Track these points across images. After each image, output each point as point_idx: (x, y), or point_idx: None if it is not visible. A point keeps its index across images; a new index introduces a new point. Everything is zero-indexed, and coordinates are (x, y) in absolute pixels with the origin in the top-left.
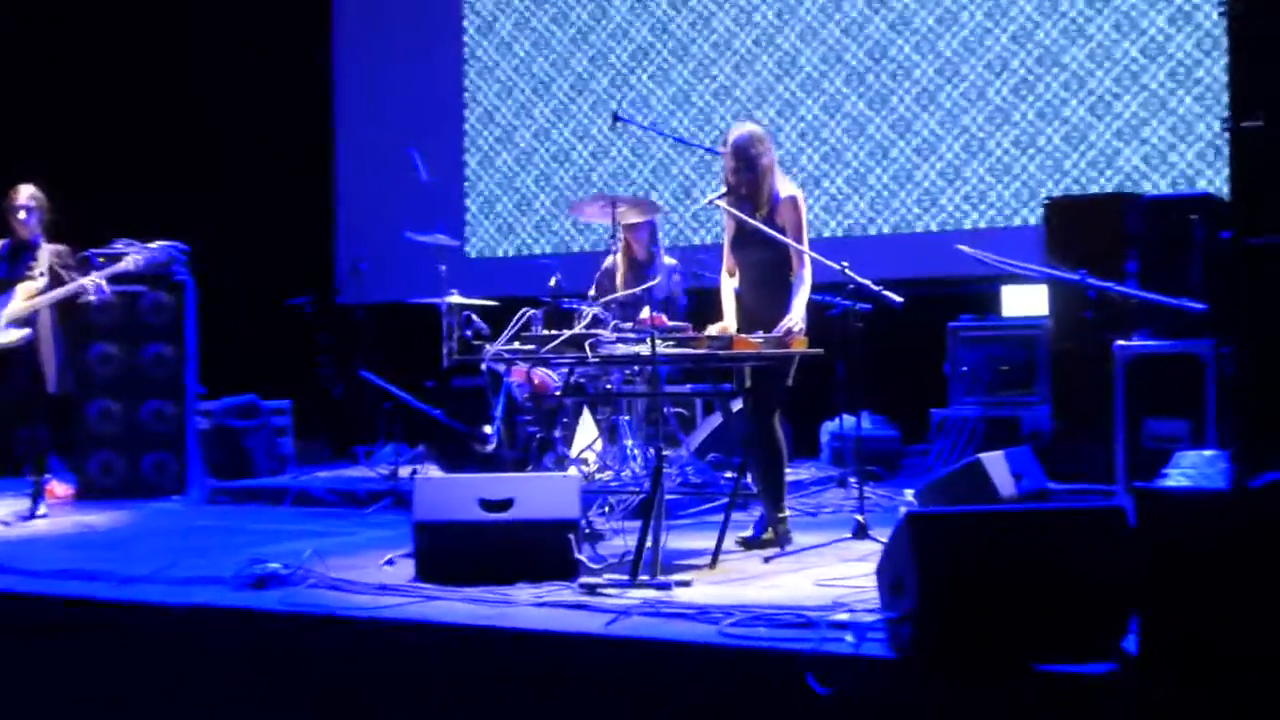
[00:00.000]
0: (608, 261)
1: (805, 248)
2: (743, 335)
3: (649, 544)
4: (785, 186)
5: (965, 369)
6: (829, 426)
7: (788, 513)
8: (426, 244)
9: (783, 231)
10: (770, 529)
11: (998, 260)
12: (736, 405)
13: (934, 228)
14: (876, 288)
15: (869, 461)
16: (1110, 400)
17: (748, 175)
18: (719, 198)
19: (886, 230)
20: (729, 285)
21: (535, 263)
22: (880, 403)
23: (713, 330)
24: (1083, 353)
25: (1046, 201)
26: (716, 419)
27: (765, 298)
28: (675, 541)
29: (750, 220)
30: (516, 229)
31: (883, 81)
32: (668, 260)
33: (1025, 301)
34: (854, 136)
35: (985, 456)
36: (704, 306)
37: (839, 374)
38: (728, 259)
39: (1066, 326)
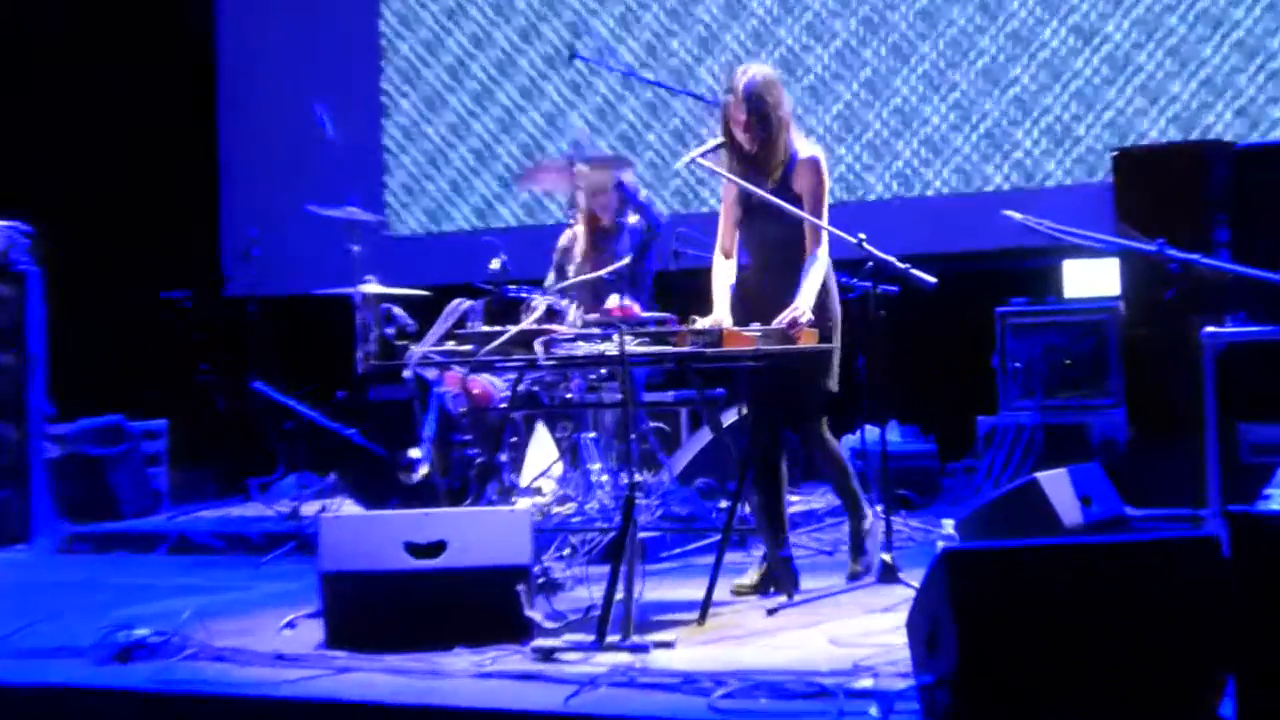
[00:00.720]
0: (564, 237)
1: (824, 220)
2: (735, 329)
3: (620, 595)
4: (804, 145)
5: (1018, 365)
6: (847, 441)
7: (870, 516)
8: (336, 220)
9: (797, 202)
10: (854, 560)
11: (1055, 228)
12: (730, 417)
13: (976, 189)
14: (904, 265)
15: (899, 484)
16: (1199, 402)
17: (760, 131)
18: (708, 152)
19: (915, 193)
20: (724, 270)
21: (474, 241)
22: (912, 410)
23: (703, 323)
24: (1164, 342)
25: (1116, 154)
26: (706, 435)
27: (785, 285)
28: (655, 591)
29: (758, 191)
30: (449, 200)
31: (910, 23)
32: (632, 219)
33: (1091, 279)
34: (876, 91)
35: (1044, 476)
36: (687, 290)
37: (859, 374)
38: (725, 236)
39: (1143, 310)
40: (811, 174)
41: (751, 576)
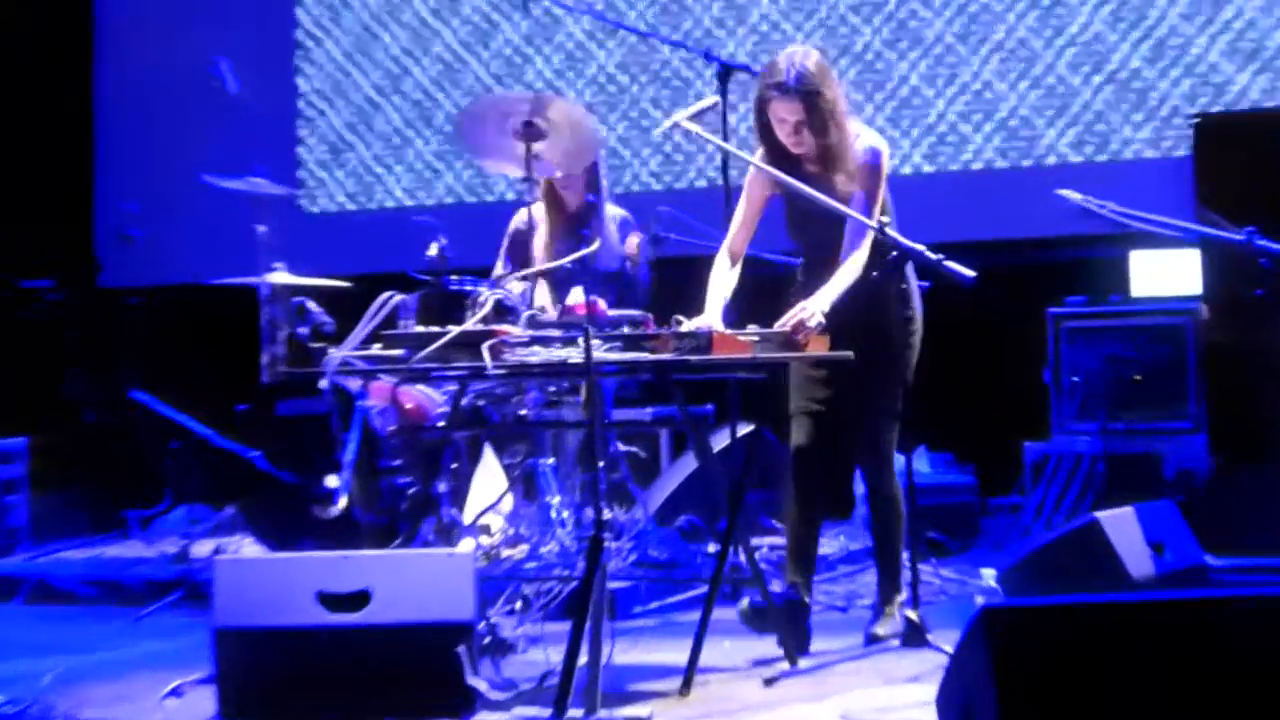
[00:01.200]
0: (519, 218)
1: (873, 218)
2: (728, 332)
3: (584, 659)
4: (862, 132)
5: (1076, 379)
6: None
7: (904, 593)
8: (237, 194)
9: (843, 196)
10: (882, 618)
11: (1121, 211)
12: (722, 440)
13: (1024, 163)
14: (935, 256)
15: (929, 525)
16: None
17: (813, 128)
18: (700, 114)
19: (951, 166)
20: (723, 274)
21: (407, 220)
22: (946, 434)
23: (688, 325)
24: (1254, 352)
25: (1196, 121)
26: (690, 463)
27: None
28: (627, 654)
29: (820, 195)
30: (378, 170)
31: None
32: (615, 211)
33: (1165, 275)
34: (905, 31)
35: (1106, 516)
36: (668, 284)
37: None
38: (737, 233)
39: (1228, 313)
40: (871, 168)
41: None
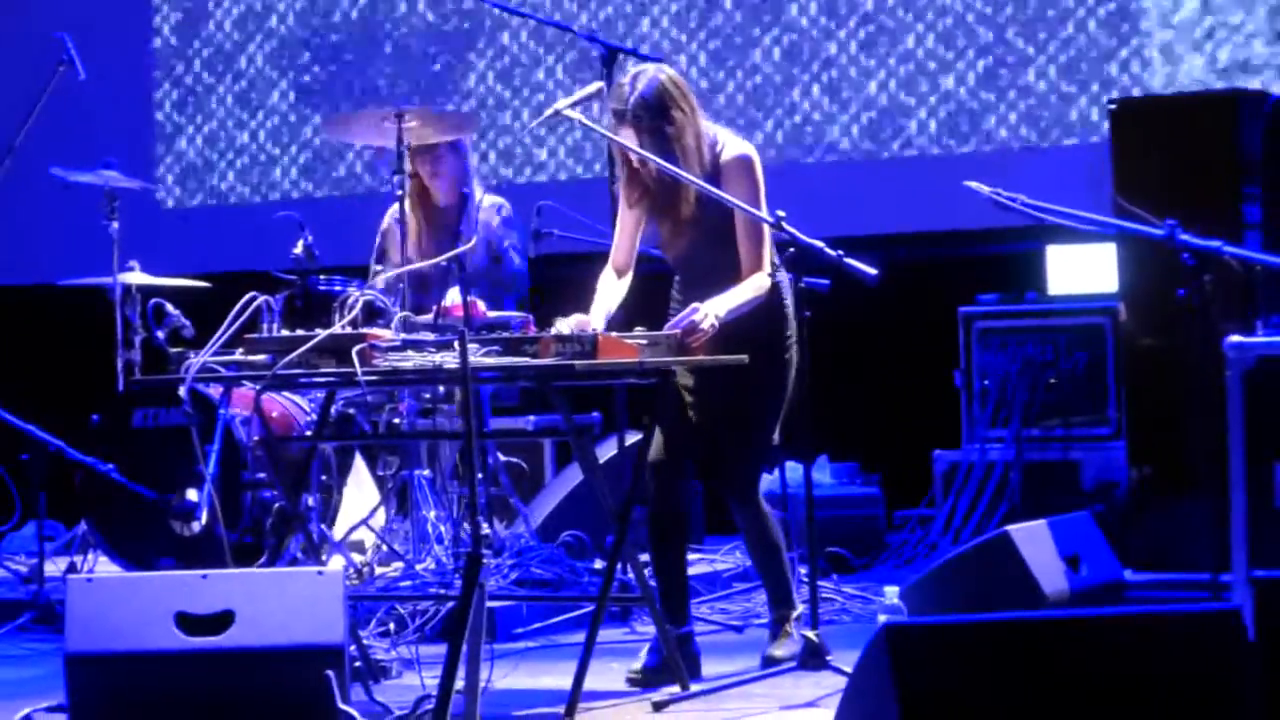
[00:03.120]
0: (387, 217)
1: (764, 235)
2: (614, 335)
3: (461, 684)
4: (728, 142)
5: (989, 383)
6: (765, 482)
7: (800, 609)
8: (88, 188)
9: (723, 216)
10: (774, 643)
11: (1033, 205)
12: (608, 450)
13: (932, 150)
14: (835, 252)
15: (830, 539)
16: (1221, 434)
17: (666, 151)
18: (583, 101)
19: (853, 159)
20: (609, 287)
21: (272, 215)
22: (849, 442)
23: (563, 327)
24: (1176, 356)
25: (1114, 105)
26: (575, 475)
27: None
28: (508, 678)
29: (674, 169)
30: (242, 162)
31: None
32: (487, 201)
33: (1082, 271)
34: (804, 26)
35: (1018, 529)
36: (550, 287)
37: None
38: (619, 245)
39: (1148, 313)
40: (744, 176)
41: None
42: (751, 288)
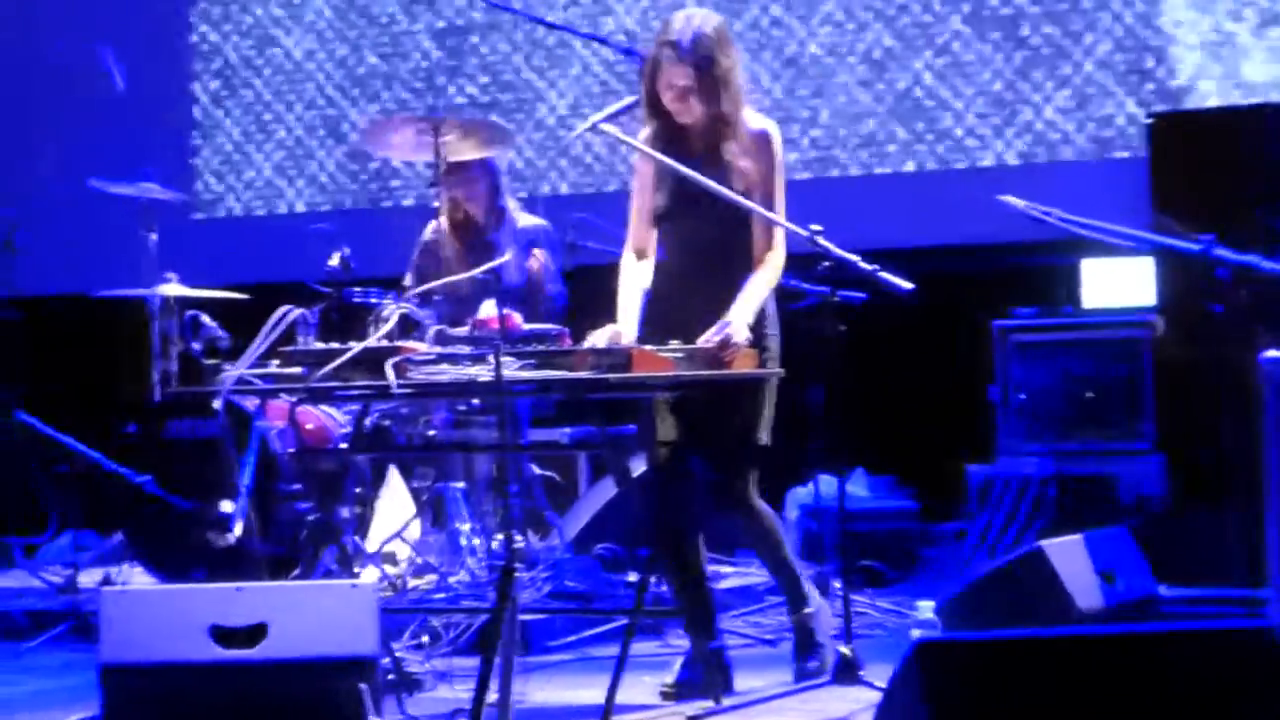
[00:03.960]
0: (428, 230)
1: (779, 214)
2: (648, 349)
3: (494, 697)
4: (753, 117)
5: (1024, 396)
6: (798, 495)
7: (814, 607)
8: (126, 199)
9: (742, 192)
10: (801, 655)
11: (1069, 218)
12: (643, 464)
13: (962, 164)
14: (870, 266)
15: (865, 553)
16: (1258, 448)
17: (703, 96)
18: (618, 114)
19: (888, 168)
20: (635, 275)
21: (308, 227)
22: (883, 455)
23: (598, 339)
24: (1212, 369)
25: (1152, 119)
26: (609, 488)
27: (715, 300)
28: (542, 691)
29: (692, 174)
30: (280, 173)
31: None
32: (526, 221)
33: (1119, 285)
34: (842, 31)
35: (1053, 544)
36: (585, 299)
37: (814, 408)
38: (638, 231)
39: (1185, 327)
40: (763, 152)
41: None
42: (765, 286)
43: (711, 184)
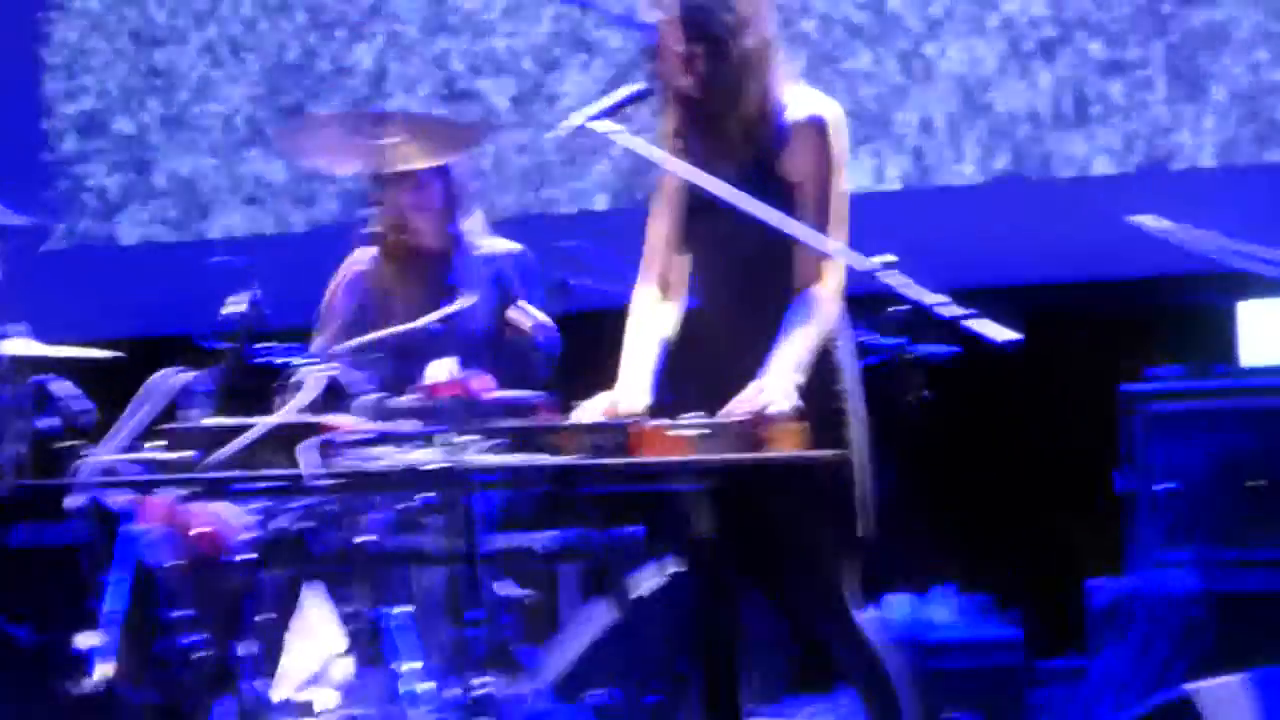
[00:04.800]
0: (354, 260)
1: (836, 230)
2: (656, 424)
3: None
4: (802, 96)
5: (1166, 486)
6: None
7: None
8: None
9: (786, 193)
10: None
11: (1223, 244)
12: (650, 579)
13: (1071, 171)
14: (961, 311)
15: (953, 697)
16: None
17: (713, 64)
18: (616, 107)
19: (980, 179)
20: (651, 316)
21: (204, 259)
22: (975, 566)
23: (590, 410)
24: None
25: None
26: (605, 614)
27: (759, 338)
28: None
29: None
30: (163, 190)
31: None
32: (494, 246)
33: None
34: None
35: (1206, 688)
36: (579, 356)
37: (883, 501)
38: (657, 256)
39: None
40: (814, 144)
41: None
42: (817, 327)
43: (729, 191)
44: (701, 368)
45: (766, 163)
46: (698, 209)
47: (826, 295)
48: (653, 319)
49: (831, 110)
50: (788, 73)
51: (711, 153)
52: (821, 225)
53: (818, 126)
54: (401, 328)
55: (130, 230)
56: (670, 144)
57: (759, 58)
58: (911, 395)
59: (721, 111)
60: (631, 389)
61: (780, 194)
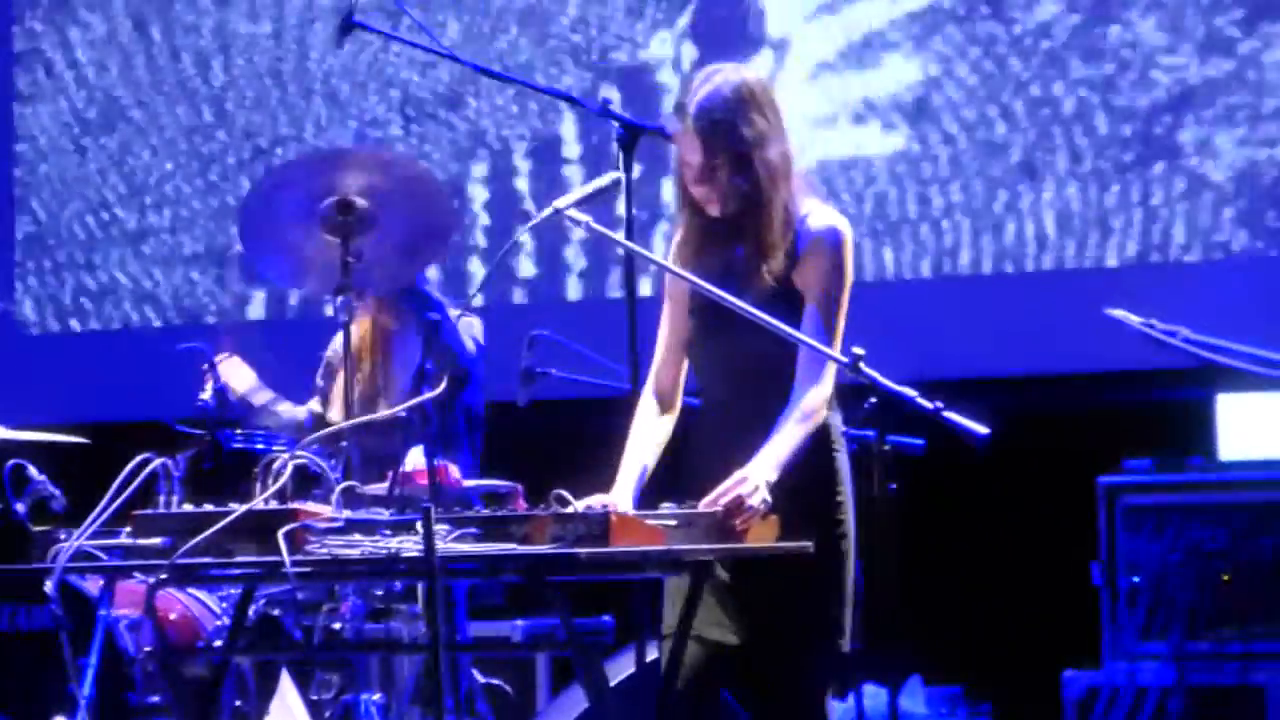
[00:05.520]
0: (333, 348)
1: (837, 336)
2: (632, 515)
3: None
4: (819, 211)
5: (1138, 579)
6: (834, 711)
7: None
8: None
9: (795, 301)
10: None
11: (1198, 340)
12: (624, 667)
13: (1048, 264)
14: (932, 405)
15: None
16: None
17: (723, 175)
18: (594, 195)
19: (955, 271)
20: (648, 427)
21: (174, 343)
22: (947, 658)
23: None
24: None
25: None
26: (579, 702)
27: (763, 431)
28: None
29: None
30: (131, 271)
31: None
32: (467, 323)
33: (1265, 429)
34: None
35: None
36: (549, 439)
37: (857, 592)
38: (663, 360)
39: None
40: (829, 257)
41: None
42: (806, 425)
43: (731, 299)
44: (703, 466)
45: (782, 271)
46: (701, 311)
47: (810, 401)
48: (648, 429)
49: (845, 226)
50: (801, 185)
51: (728, 260)
52: (825, 335)
53: (834, 241)
54: (371, 417)
55: (98, 313)
56: (679, 252)
57: (782, 170)
58: (879, 490)
59: (743, 223)
60: (618, 493)
61: (789, 301)
